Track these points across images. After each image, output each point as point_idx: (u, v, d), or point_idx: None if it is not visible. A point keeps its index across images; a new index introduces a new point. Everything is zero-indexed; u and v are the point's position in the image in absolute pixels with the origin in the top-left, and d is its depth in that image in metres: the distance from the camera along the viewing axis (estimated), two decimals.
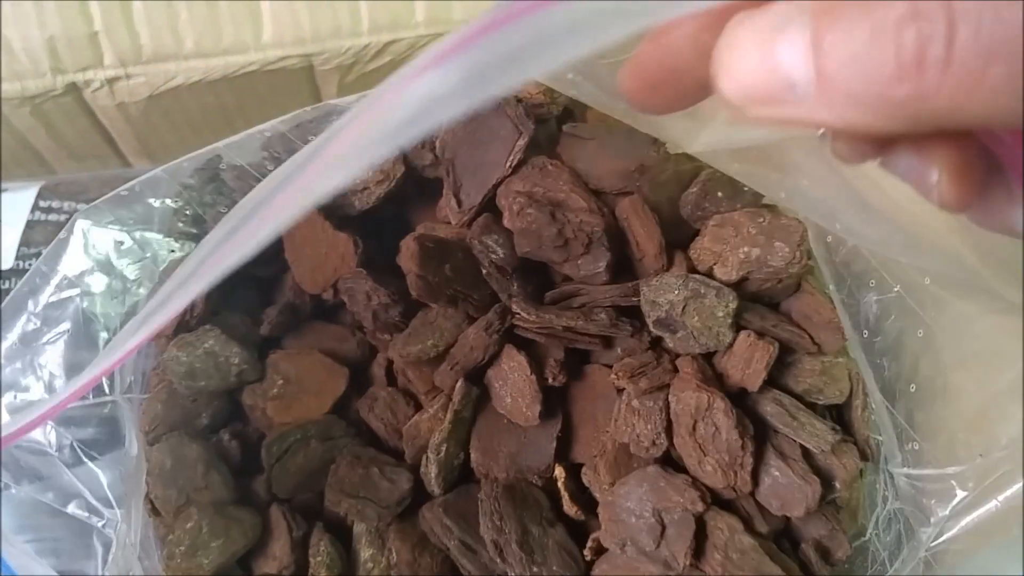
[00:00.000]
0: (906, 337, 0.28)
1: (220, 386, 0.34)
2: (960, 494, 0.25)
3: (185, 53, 0.46)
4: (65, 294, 0.33)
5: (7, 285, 0.47)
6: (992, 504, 0.24)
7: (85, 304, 0.32)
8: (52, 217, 0.50)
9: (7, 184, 0.51)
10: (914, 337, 0.27)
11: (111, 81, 0.46)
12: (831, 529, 0.31)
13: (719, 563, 0.29)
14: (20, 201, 0.50)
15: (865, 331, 0.29)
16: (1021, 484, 0.24)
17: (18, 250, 0.48)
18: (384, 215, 0.37)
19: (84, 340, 0.33)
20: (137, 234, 0.35)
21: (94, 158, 0.55)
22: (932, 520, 0.26)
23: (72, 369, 0.31)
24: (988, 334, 0.24)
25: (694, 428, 0.30)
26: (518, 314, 0.31)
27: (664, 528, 0.29)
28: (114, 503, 0.30)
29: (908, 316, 0.27)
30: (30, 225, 0.49)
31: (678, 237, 0.34)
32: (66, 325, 0.32)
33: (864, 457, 0.33)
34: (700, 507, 0.29)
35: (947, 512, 0.25)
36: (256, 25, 0.46)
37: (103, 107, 0.49)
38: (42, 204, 0.50)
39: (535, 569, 0.30)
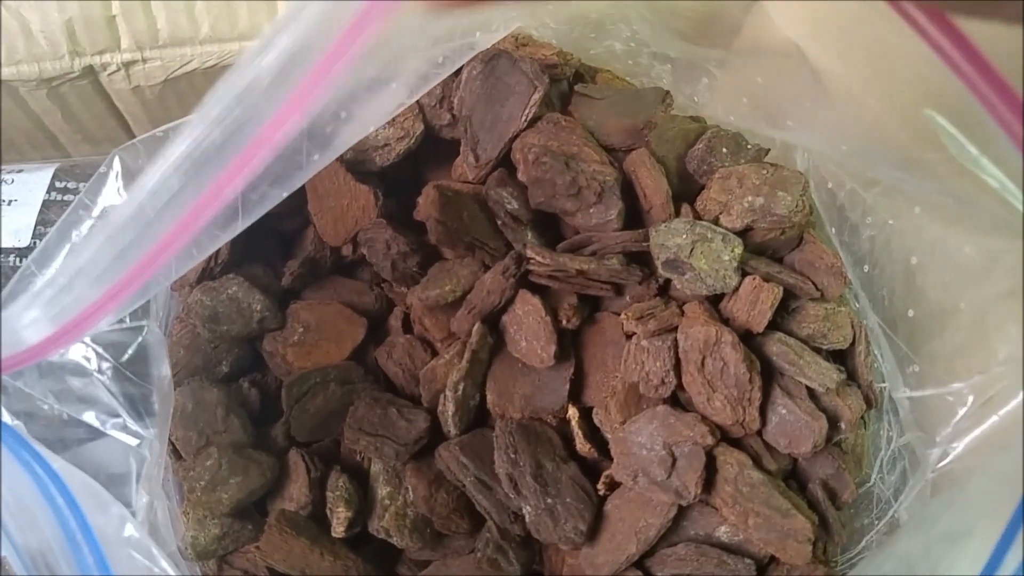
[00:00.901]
0: (901, 266, 0.29)
1: (242, 332, 0.35)
2: (961, 411, 0.26)
3: (201, 38, 0.47)
4: None
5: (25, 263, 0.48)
6: (993, 419, 0.25)
7: None
8: (68, 198, 0.51)
9: (23, 165, 0.53)
10: (908, 265, 0.28)
11: (127, 65, 0.48)
12: (837, 469, 0.32)
13: (729, 495, 0.30)
14: (36, 182, 0.51)
15: (866, 266, 0.30)
16: (1020, 398, 0.25)
17: (35, 229, 0.49)
18: (402, 175, 0.38)
19: None
20: None
21: (109, 142, 0.56)
22: (937, 439, 0.27)
23: None
24: (975, 256, 0.26)
25: (703, 364, 0.31)
26: (533, 258, 0.33)
27: (675, 460, 0.30)
28: (148, 424, 0.31)
29: (902, 247, 0.29)
30: (46, 205, 0.50)
31: (684, 192, 0.36)
32: None
33: (868, 402, 0.34)
34: (710, 440, 0.30)
35: (950, 429, 0.26)
36: (271, 10, 0.48)
37: (119, 91, 0.50)
38: (58, 185, 0.51)
39: (549, 500, 0.31)
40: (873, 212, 0.30)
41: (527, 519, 0.31)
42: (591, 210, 0.34)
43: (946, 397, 0.26)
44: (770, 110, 0.30)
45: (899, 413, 0.31)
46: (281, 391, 0.35)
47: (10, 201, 0.46)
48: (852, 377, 0.34)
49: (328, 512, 0.32)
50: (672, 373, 0.32)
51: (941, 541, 0.26)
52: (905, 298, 0.29)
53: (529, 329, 0.33)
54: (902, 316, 0.29)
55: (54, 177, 0.51)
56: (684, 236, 0.33)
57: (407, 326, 0.37)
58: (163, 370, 0.32)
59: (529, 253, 0.33)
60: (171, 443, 0.35)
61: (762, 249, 0.35)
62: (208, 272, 0.35)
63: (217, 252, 0.35)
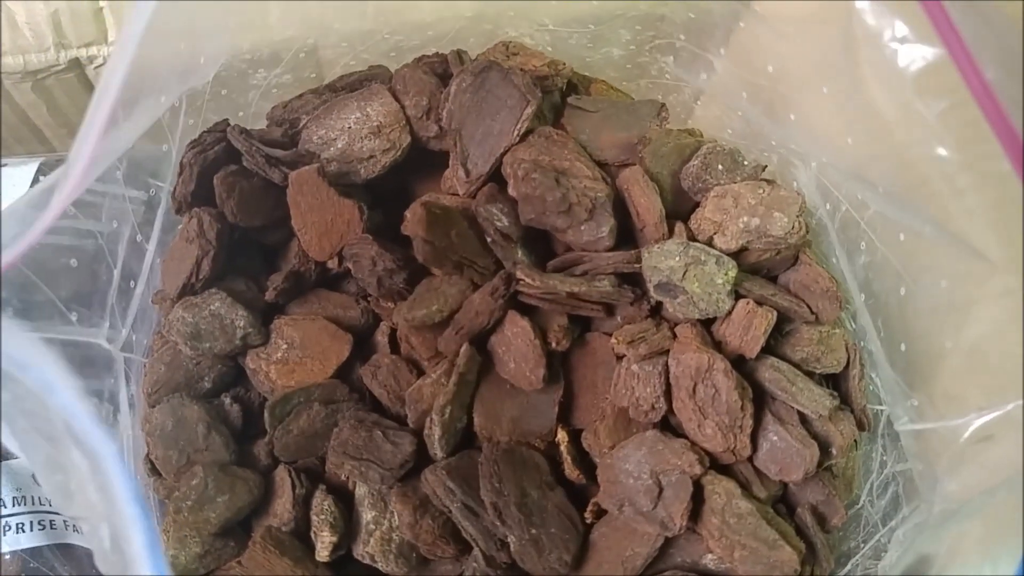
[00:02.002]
0: (892, 297, 0.28)
1: (225, 348, 0.34)
2: (959, 447, 0.26)
3: None
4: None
5: None
6: (993, 455, 0.25)
7: None
8: None
9: (7, 159, 0.51)
10: (898, 296, 0.28)
11: None
12: (828, 495, 0.32)
13: (716, 527, 0.30)
14: (21, 176, 0.50)
15: (862, 294, 0.30)
16: (1021, 433, 0.24)
17: None
18: (387, 188, 0.38)
19: None
20: None
21: None
22: (938, 473, 0.26)
23: None
24: (954, 289, 0.25)
25: (694, 391, 0.31)
26: (522, 280, 0.32)
27: (661, 490, 0.30)
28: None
29: (892, 276, 0.28)
30: None
31: (678, 209, 0.35)
32: None
33: (861, 426, 0.33)
34: (698, 470, 0.30)
35: (948, 464, 0.26)
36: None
37: None
38: (42, 179, 0.50)
39: (534, 531, 0.30)
40: (866, 237, 0.29)
41: (512, 548, 0.30)
42: (582, 227, 0.33)
43: (943, 432, 0.26)
44: (772, 101, 0.29)
45: (899, 439, 0.30)
46: (263, 407, 0.35)
47: None
48: (845, 401, 0.33)
49: (312, 535, 0.32)
50: (662, 399, 0.31)
51: None
52: (898, 330, 0.28)
53: (518, 351, 0.33)
54: (896, 349, 0.29)
55: (38, 171, 0.50)
56: (677, 259, 0.32)
57: (394, 342, 0.36)
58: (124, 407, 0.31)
59: (519, 275, 0.32)
60: (150, 462, 0.34)
61: (757, 269, 0.34)
62: (189, 287, 0.34)
63: (198, 266, 0.34)
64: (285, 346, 0.35)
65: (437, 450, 0.32)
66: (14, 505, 0.38)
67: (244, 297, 0.35)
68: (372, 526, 0.32)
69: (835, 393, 0.32)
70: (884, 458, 0.32)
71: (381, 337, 0.36)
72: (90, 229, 0.37)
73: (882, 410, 0.33)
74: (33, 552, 0.38)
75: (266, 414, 0.33)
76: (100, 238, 0.36)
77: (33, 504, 0.39)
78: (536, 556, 0.30)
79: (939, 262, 0.25)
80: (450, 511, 0.31)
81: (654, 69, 0.43)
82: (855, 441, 0.34)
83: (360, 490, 0.33)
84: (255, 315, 0.35)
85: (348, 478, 0.33)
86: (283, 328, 0.35)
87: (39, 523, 0.38)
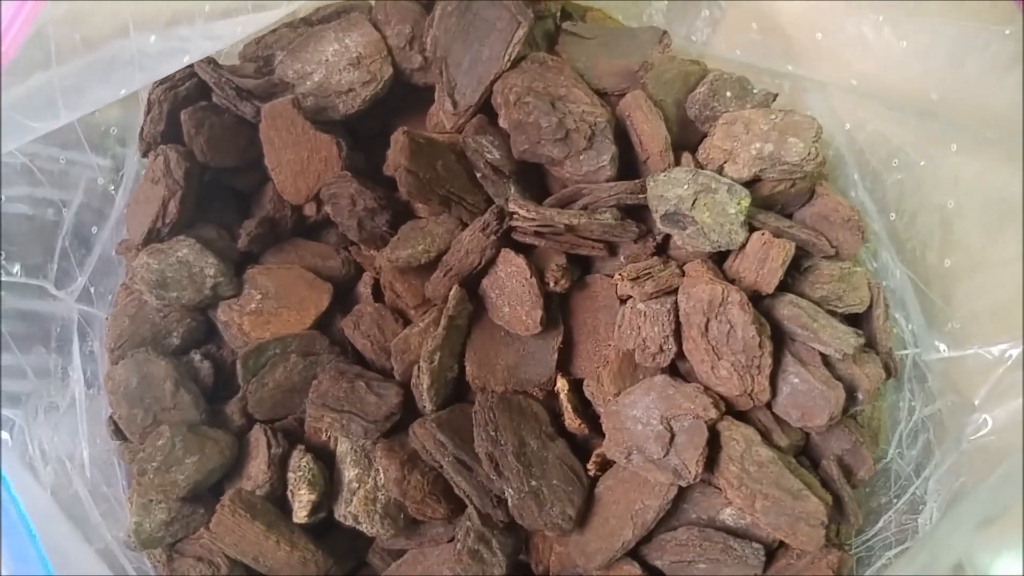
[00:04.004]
0: (935, 212, 0.26)
1: (193, 299, 0.32)
2: (1005, 371, 0.23)
3: None
4: None
5: None
6: None
7: None
8: None
9: None
10: (944, 210, 0.25)
11: None
12: (854, 443, 0.29)
13: (735, 476, 0.27)
14: None
15: (892, 214, 0.27)
16: None
17: None
18: (368, 128, 0.35)
19: None
20: None
21: None
22: (976, 403, 0.24)
23: None
24: (1014, 195, 0.22)
25: (706, 328, 0.28)
26: (517, 213, 0.29)
27: (673, 436, 0.27)
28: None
29: (936, 189, 0.25)
30: None
31: (684, 142, 0.32)
32: None
33: (887, 371, 0.30)
34: (713, 414, 0.27)
35: (992, 392, 0.23)
36: None
37: None
38: None
39: (533, 483, 0.27)
40: (901, 153, 0.27)
41: (510, 503, 0.27)
42: (581, 156, 0.30)
43: (988, 356, 0.23)
44: (787, 36, 0.27)
45: (926, 380, 0.28)
46: (236, 364, 0.32)
47: None
48: (870, 344, 0.30)
49: (289, 495, 0.29)
50: (672, 339, 0.28)
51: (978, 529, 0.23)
52: (941, 247, 0.26)
53: (512, 293, 0.30)
54: (937, 267, 0.26)
55: None
56: (686, 187, 0.29)
57: (377, 293, 0.33)
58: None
59: (512, 207, 0.29)
60: (113, 424, 0.31)
61: (770, 204, 0.31)
62: (155, 233, 0.31)
63: (165, 209, 0.31)
64: (259, 296, 0.32)
65: (426, 402, 0.29)
66: None
67: (215, 246, 0.32)
68: (355, 484, 0.29)
69: (860, 332, 0.29)
70: (912, 403, 0.29)
71: (364, 288, 0.34)
72: (51, 198, 0.34)
73: (907, 354, 0.30)
74: None
75: (239, 366, 0.31)
76: (63, 206, 0.33)
77: None
78: (536, 510, 0.27)
79: (995, 173, 0.23)
80: (441, 466, 0.29)
81: (644, 15, 0.40)
82: (881, 388, 0.31)
83: (341, 447, 0.30)
84: (226, 264, 0.32)
85: (328, 435, 0.30)
86: (257, 277, 0.33)
87: None
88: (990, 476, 0.23)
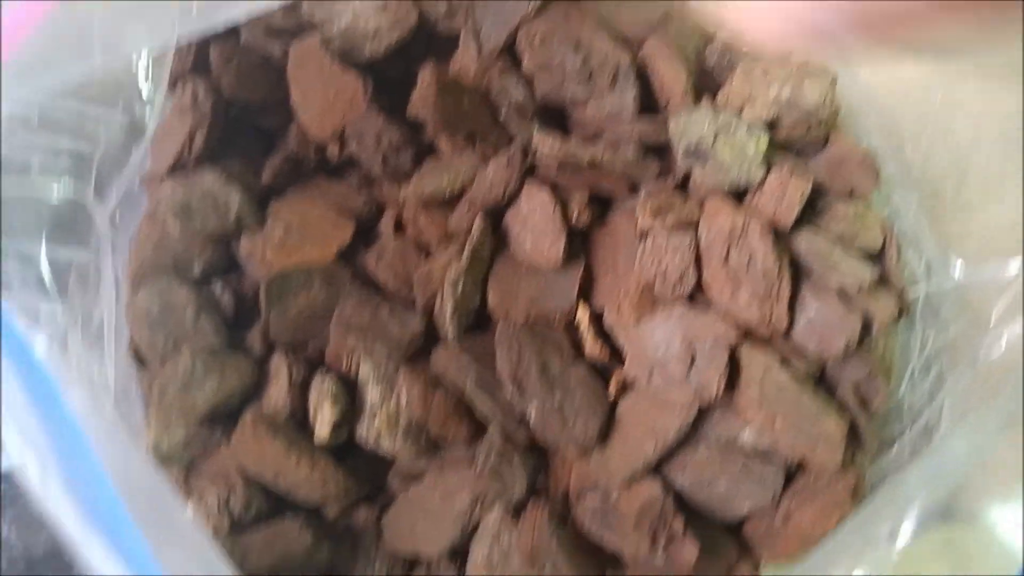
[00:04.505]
0: (950, 146, 0.27)
1: (216, 229, 0.32)
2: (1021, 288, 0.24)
3: None
4: None
5: None
6: None
7: None
8: None
9: None
10: (958, 144, 0.26)
11: None
12: (869, 371, 0.29)
13: (754, 397, 0.27)
14: None
15: (908, 148, 0.28)
16: None
17: None
18: (393, 71, 0.35)
19: None
20: None
21: None
22: (992, 322, 0.24)
23: None
24: None
25: (727, 257, 0.29)
26: (541, 145, 0.30)
27: (694, 357, 0.28)
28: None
29: (951, 124, 0.26)
30: None
31: (702, 89, 0.33)
32: None
33: (900, 309, 0.31)
34: (733, 336, 0.28)
35: (1007, 308, 0.24)
36: None
37: None
38: None
39: (556, 399, 0.28)
40: (916, 92, 0.28)
41: (532, 420, 0.28)
42: (604, 98, 0.31)
43: (1004, 276, 0.24)
44: None
45: (940, 312, 0.28)
46: (257, 298, 0.32)
47: None
48: (883, 282, 0.31)
49: (312, 412, 0.29)
50: (692, 269, 0.29)
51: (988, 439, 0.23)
52: (958, 180, 0.27)
53: (535, 227, 0.31)
54: (954, 200, 0.27)
55: None
56: (706, 125, 0.30)
57: (400, 229, 0.34)
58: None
59: (536, 139, 0.30)
60: (134, 350, 0.31)
61: (786, 148, 0.32)
62: (180, 162, 0.32)
63: (191, 140, 0.31)
64: (283, 229, 0.33)
65: (448, 329, 0.30)
66: None
67: (240, 180, 0.33)
68: (377, 405, 0.29)
69: (876, 267, 0.30)
70: (925, 336, 0.30)
71: (386, 227, 0.34)
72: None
73: (919, 293, 0.31)
74: (4, 476, 0.35)
75: (263, 291, 0.31)
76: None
77: None
78: (560, 425, 0.27)
79: (1012, 102, 0.24)
80: (464, 389, 0.29)
81: None
82: (892, 327, 0.32)
83: (363, 371, 0.30)
84: (250, 197, 0.32)
85: (350, 361, 0.30)
86: (281, 211, 0.33)
87: None
88: (1002, 390, 0.24)
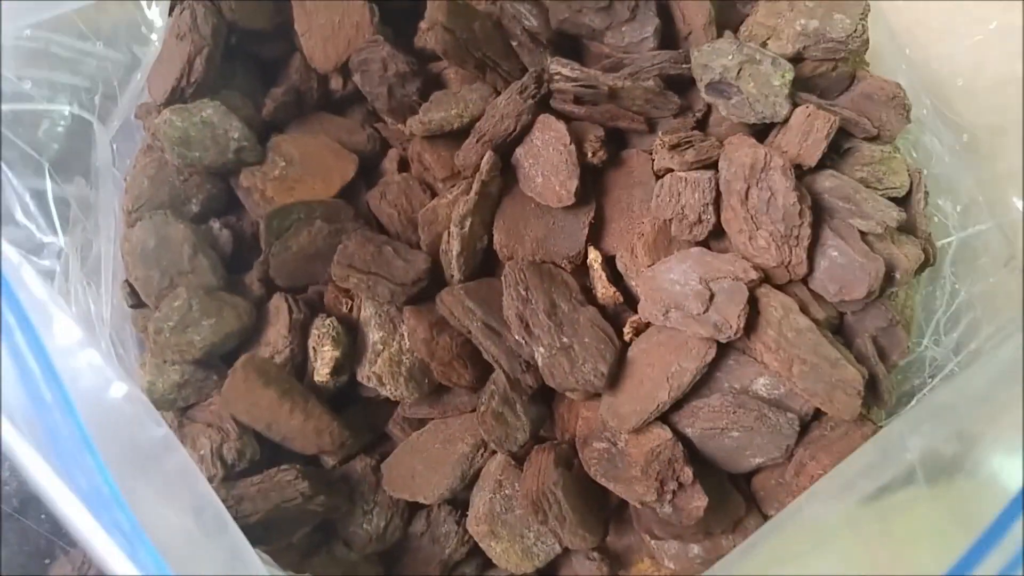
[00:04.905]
0: (991, 83, 0.25)
1: (216, 161, 0.31)
2: None
3: None
4: None
5: None
6: None
7: None
8: None
9: None
10: (1001, 80, 0.24)
11: None
12: (890, 321, 0.28)
13: (773, 339, 0.26)
14: None
15: (960, 79, 0.27)
16: None
17: None
18: (400, 7, 0.34)
19: None
20: None
21: None
22: None
23: None
24: None
25: (747, 195, 0.27)
26: (559, 73, 0.28)
27: (713, 295, 0.26)
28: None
29: (990, 60, 0.25)
30: None
31: (725, 23, 0.32)
32: None
33: (925, 256, 0.30)
34: (753, 275, 0.26)
35: None
36: None
37: None
38: None
39: (564, 340, 0.27)
40: (951, 28, 0.26)
41: (540, 363, 0.27)
42: (623, 28, 0.29)
43: None
44: None
45: (977, 258, 0.27)
46: (256, 239, 0.31)
47: None
48: (909, 229, 0.30)
49: (312, 353, 0.28)
50: (711, 208, 0.28)
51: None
52: (1000, 116, 0.25)
53: (548, 162, 0.29)
54: (995, 139, 0.25)
55: None
56: (730, 57, 0.28)
57: (404, 169, 0.32)
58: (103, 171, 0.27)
59: (554, 67, 0.28)
60: (129, 286, 0.30)
61: (810, 88, 0.31)
62: (178, 92, 0.30)
63: (190, 66, 0.30)
64: (283, 163, 0.31)
65: (454, 270, 0.29)
66: None
67: (239, 112, 0.31)
68: (380, 346, 0.28)
69: (902, 209, 0.28)
70: (956, 287, 0.29)
71: (389, 164, 0.33)
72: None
73: (949, 241, 0.30)
74: None
75: (262, 227, 0.30)
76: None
77: None
78: (568, 367, 0.26)
79: None
80: (469, 332, 0.28)
81: None
82: (914, 281, 0.31)
83: (366, 311, 0.29)
84: (251, 130, 0.31)
85: (352, 299, 0.29)
86: (281, 145, 0.32)
87: None
88: None
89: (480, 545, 0.28)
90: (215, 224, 0.31)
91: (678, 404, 0.27)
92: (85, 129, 0.29)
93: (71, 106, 0.28)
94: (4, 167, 0.26)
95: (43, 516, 0.35)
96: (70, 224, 0.28)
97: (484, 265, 0.30)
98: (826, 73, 0.30)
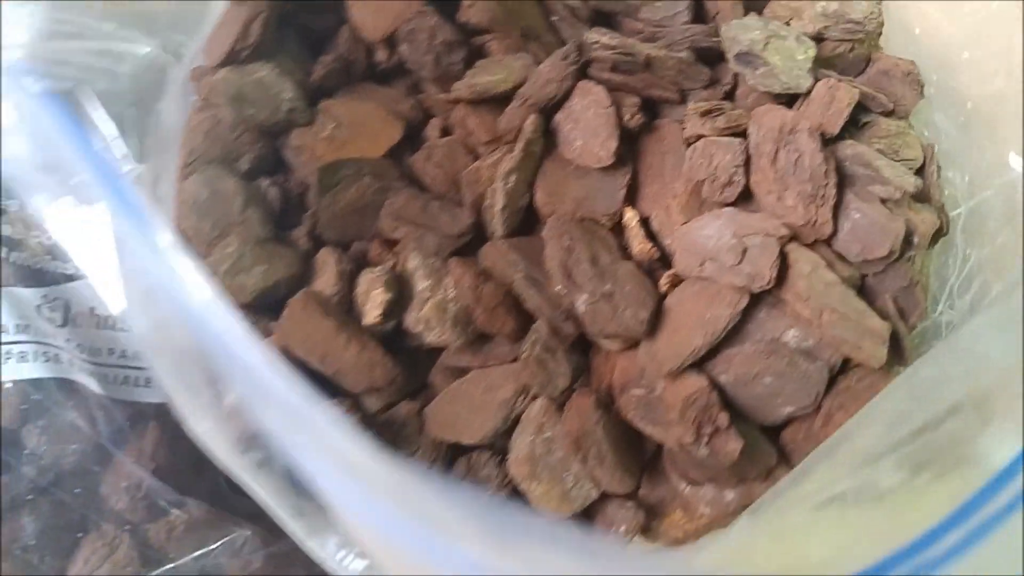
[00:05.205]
0: (998, 52, 0.27)
1: (268, 120, 0.32)
2: None
3: None
4: None
5: None
6: None
7: None
8: None
9: None
10: (1009, 49, 0.27)
11: None
12: (910, 282, 0.30)
13: (803, 289, 0.28)
14: None
15: (965, 52, 0.29)
16: None
17: None
18: None
19: None
20: None
21: None
22: None
23: None
24: None
25: (775, 157, 0.29)
26: (598, 41, 0.30)
27: (746, 249, 0.28)
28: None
29: (999, 30, 0.27)
30: None
31: (751, 7, 0.34)
32: None
33: (939, 226, 0.32)
34: (784, 231, 0.28)
35: None
36: None
37: None
38: None
39: (607, 288, 0.28)
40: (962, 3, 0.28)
41: (581, 309, 0.28)
42: (657, 3, 0.32)
43: None
44: None
45: (983, 226, 0.29)
46: (303, 198, 0.33)
47: None
48: (924, 199, 0.32)
49: (360, 299, 0.29)
50: (742, 171, 0.30)
51: None
52: (1007, 80, 0.27)
53: (587, 126, 0.31)
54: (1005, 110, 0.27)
55: None
56: (757, 31, 0.31)
57: (447, 135, 0.34)
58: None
59: (593, 36, 0.30)
60: (181, 234, 0.31)
61: (829, 67, 0.33)
62: (234, 54, 0.32)
63: (247, 29, 0.32)
64: (333, 125, 0.33)
65: (497, 225, 0.30)
66: (16, 332, 0.35)
67: (292, 76, 0.33)
68: (427, 294, 0.29)
69: (919, 177, 0.30)
70: (967, 252, 0.30)
71: (431, 132, 0.34)
72: None
73: (959, 212, 0.32)
74: (35, 383, 0.35)
75: (314, 178, 0.31)
76: None
77: (37, 334, 0.36)
78: (610, 313, 0.27)
79: None
80: (512, 282, 0.29)
81: None
82: (929, 251, 0.32)
83: (412, 262, 0.30)
84: (303, 91, 0.33)
85: (400, 249, 0.31)
86: (331, 108, 0.33)
87: (43, 354, 0.35)
88: None
89: (520, 487, 0.29)
90: (264, 182, 0.33)
91: (713, 352, 0.28)
92: (160, 75, 0.30)
93: (150, 48, 0.30)
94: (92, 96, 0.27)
95: (77, 491, 0.36)
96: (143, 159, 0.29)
97: (523, 225, 0.32)
98: (844, 54, 0.33)
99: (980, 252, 0.30)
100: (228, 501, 0.39)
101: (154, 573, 0.36)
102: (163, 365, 0.21)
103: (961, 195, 0.32)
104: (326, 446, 0.17)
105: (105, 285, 0.22)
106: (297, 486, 0.21)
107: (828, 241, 0.30)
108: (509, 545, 0.14)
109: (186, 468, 0.38)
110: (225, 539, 0.37)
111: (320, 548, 0.22)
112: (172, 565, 0.36)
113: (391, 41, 0.34)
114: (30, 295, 0.37)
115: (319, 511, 0.21)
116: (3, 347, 0.35)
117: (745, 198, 0.30)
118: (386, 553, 0.21)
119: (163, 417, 0.37)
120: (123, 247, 0.21)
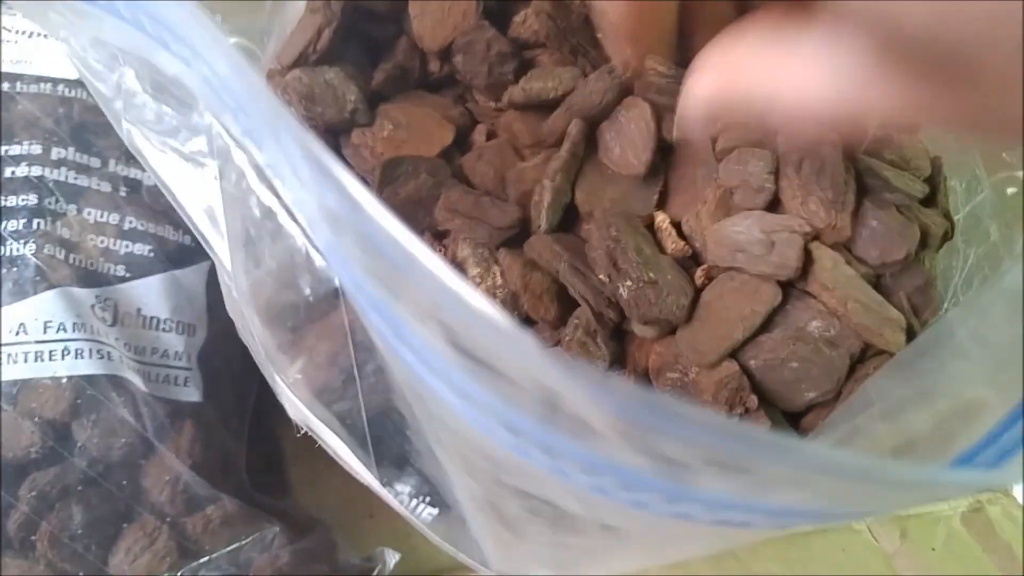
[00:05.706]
0: None
1: (334, 119, 0.35)
2: None
3: None
4: None
5: None
6: None
7: None
8: None
9: None
10: None
11: None
12: (925, 279, 0.33)
13: (828, 279, 0.30)
14: None
15: None
16: None
17: None
18: (490, 7, 0.39)
19: None
20: None
21: None
22: None
23: None
24: None
25: (800, 165, 0.32)
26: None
27: (774, 243, 0.31)
28: None
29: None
30: None
31: None
32: None
33: (948, 229, 0.35)
34: (808, 228, 0.31)
35: None
36: None
37: None
38: None
39: (650, 275, 0.30)
40: None
41: (625, 295, 0.30)
42: None
43: None
44: None
45: (979, 225, 0.32)
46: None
47: None
48: (932, 203, 0.35)
49: None
50: (773, 178, 0.32)
51: None
52: None
53: (628, 137, 0.34)
54: None
55: None
56: None
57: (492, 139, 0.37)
58: None
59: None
60: None
61: None
62: (305, 57, 0.35)
63: (319, 35, 0.35)
64: (391, 126, 0.35)
65: (543, 220, 0.33)
66: (73, 331, 0.37)
67: (355, 80, 0.36)
68: (477, 280, 0.32)
69: (926, 184, 0.33)
70: (967, 252, 0.33)
71: (479, 136, 0.37)
72: None
73: (959, 217, 0.35)
74: (88, 379, 0.37)
75: (379, 173, 0.33)
76: None
77: (91, 332, 0.37)
78: (653, 297, 0.30)
79: None
80: (557, 272, 0.32)
81: None
82: (937, 254, 0.35)
83: (463, 252, 0.33)
84: (363, 95, 0.35)
85: (453, 238, 0.33)
86: (389, 111, 0.36)
87: (96, 352, 0.37)
88: None
89: None
90: None
91: (745, 341, 0.31)
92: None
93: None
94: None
95: (123, 482, 0.37)
96: None
97: (563, 222, 0.34)
98: None
99: (978, 251, 0.33)
100: (253, 499, 0.40)
101: (191, 564, 0.37)
102: (258, 318, 0.22)
103: (960, 200, 0.35)
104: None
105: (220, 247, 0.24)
106: (375, 438, 0.23)
107: (847, 245, 0.33)
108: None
109: (216, 466, 0.39)
110: (256, 534, 0.38)
111: (394, 497, 0.24)
112: (207, 559, 0.37)
113: (446, 52, 0.37)
114: (85, 295, 0.38)
115: (394, 462, 0.23)
116: (62, 344, 0.37)
117: (771, 208, 0.33)
118: None
119: (198, 415, 0.39)
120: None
